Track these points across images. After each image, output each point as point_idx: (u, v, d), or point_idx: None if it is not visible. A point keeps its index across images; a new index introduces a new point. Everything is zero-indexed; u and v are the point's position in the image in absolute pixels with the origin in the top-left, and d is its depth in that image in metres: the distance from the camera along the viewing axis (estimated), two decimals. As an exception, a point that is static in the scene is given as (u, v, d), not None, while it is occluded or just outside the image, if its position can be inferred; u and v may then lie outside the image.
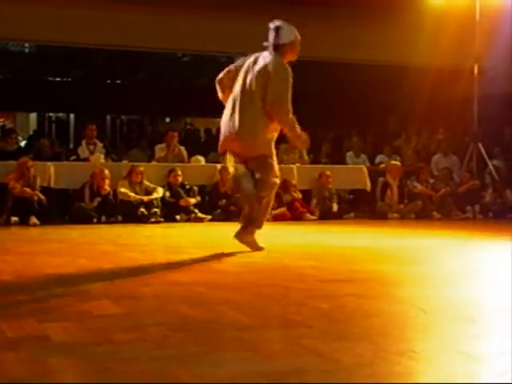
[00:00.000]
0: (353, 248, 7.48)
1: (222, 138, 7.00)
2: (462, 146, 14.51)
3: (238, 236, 6.92)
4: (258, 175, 6.80)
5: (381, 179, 12.45)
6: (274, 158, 6.96)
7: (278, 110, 6.63)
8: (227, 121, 6.87)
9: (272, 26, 6.83)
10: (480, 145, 13.65)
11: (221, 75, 7.15)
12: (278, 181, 7.01)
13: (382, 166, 13.37)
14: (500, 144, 15.29)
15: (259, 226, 6.98)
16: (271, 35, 6.80)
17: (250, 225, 6.94)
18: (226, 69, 7.15)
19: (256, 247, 6.87)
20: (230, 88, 6.97)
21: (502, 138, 15.71)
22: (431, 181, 12.88)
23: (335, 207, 12.12)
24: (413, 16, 13.70)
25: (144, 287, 4.78)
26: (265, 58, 6.77)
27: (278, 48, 6.76)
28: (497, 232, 9.73)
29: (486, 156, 13.61)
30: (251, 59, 6.90)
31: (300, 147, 6.94)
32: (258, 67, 6.75)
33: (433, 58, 14.51)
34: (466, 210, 12.45)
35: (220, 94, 7.18)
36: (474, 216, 12.34)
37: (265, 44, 6.84)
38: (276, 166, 6.94)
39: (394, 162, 12.99)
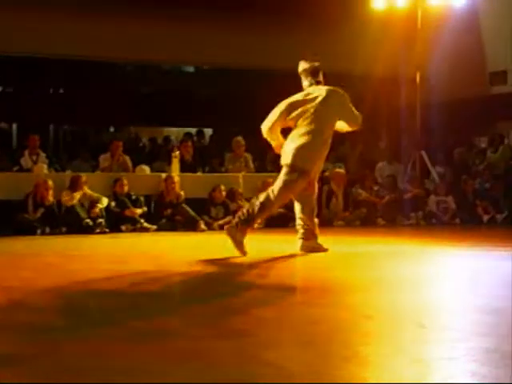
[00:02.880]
0: (297, 256, 7.48)
1: None
2: (407, 153, 14.67)
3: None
4: None
5: (325, 187, 12.50)
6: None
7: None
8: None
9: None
10: (423, 152, 13.81)
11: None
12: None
13: (326, 173, 13.43)
14: (443, 151, 15.49)
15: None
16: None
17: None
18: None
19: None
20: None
21: (444, 146, 15.92)
22: (375, 188, 12.99)
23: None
24: (354, 25, 13.82)
25: (89, 299, 4.74)
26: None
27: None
28: (441, 238, 9.85)
29: (428, 163, 13.77)
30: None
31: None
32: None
33: (375, 66, 14.64)
34: (410, 216, 12.57)
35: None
36: (417, 222, 12.47)
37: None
38: None
39: (338, 169, 13.06)
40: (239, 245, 7.04)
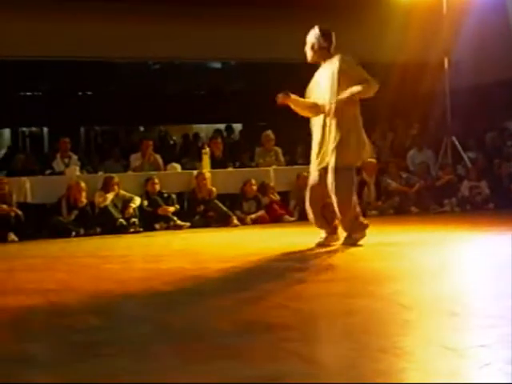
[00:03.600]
0: (332, 247, 7.46)
1: None
2: (436, 139, 14.55)
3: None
4: None
5: (357, 177, 12.43)
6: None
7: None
8: None
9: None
10: (454, 138, 13.71)
11: None
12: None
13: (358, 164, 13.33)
14: (473, 136, 15.36)
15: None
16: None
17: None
18: None
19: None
20: None
21: (474, 130, 15.78)
22: (404, 175, 12.91)
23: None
24: (380, 11, 13.72)
25: (125, 299, 4.77)
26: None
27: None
28: (475, 225, 9.77)
29: (460, 149, 13.67)
30: None
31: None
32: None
33: (401, 53, 14.53)
34: (444, 203, 12.48)
35: None
36: (452, 209, 12.38)
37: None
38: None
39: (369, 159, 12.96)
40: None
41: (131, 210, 10.72)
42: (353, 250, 7.07)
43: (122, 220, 10.57)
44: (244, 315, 3.97)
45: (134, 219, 10.67)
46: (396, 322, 3.62)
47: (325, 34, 7.42)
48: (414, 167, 13.62)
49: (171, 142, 19.54)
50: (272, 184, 11.91)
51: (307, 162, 13.96)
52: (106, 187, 10.85)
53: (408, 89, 14.65)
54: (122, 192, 10.95)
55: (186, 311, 4.17)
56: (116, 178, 11.07)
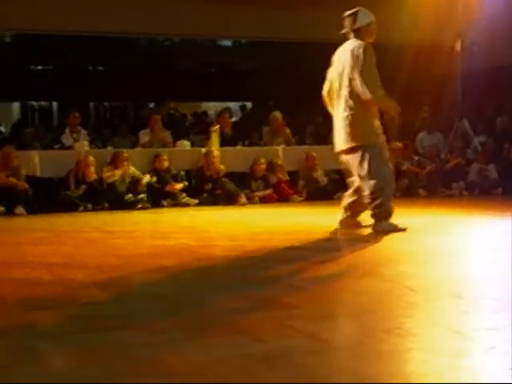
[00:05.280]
0: (338, 228, 7.44)
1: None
2: (447, 122, 14.50)
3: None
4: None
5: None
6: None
7: (367, 91, 6.80)
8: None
9: (348, 12, 7.17)
10: (465, 121, 13.66)
11: (325, 87, 7.33)
12: None
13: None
14: (483, 119, 15.30)
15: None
16: (347, 22, 7.13)
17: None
18: (327, 79, 7.32)
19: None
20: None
21: (485, 114, 15.73)
22: (416, 158, 12.88)
23: (324, 180, 11.98)
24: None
25: (132, 274, 4.78)
26: (345, 48, 7.05)
27: (356, 32, 7.06)
28: (483, 209, 9.74)
29: (470, 132, 13.62)
30: (335, 57, 7.23)
31: (394, 114, 7.12)
32: (342, 60, 7.02)
33: (414, 34, 14.46)
34: (452, 186, 12.45)
35: (328, 107, 7.41)
36: (460, 193, 12.35)
37: (343, 32, 7.17)
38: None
39: (397, 143, 12.84)
40: (394, 229, 6.85)
41: (140, 188, 10.74)
42: (359, 231, 7.06)
43: (130, 195, 10.58)
44: (250, 293, 3.97)
45: (141, 195, 10.68)
46: (402, 303, 3.61)
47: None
48: (423, 150, 13.58)
49: (178, 116, 19.48)
50: (280, 162, 11.89)
51: (316, 141, 13.95)
52: (115, 162, 10.86)
53: (420, 71, 14.59)
54: (132, 169, 10.95)
55: (193, 288, 4.18)
56: (125, 153, 11.08)
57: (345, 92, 6.95)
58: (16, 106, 23.83)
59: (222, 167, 11.32)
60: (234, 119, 17.45)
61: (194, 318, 3.36)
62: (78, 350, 2.81)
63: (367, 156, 6.83)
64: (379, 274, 4.50)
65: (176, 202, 10.89)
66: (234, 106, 20.06)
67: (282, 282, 4.28)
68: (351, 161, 7.00)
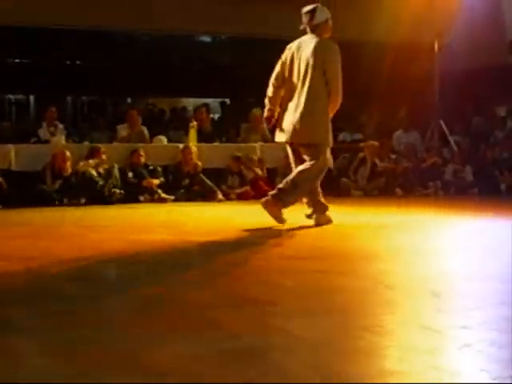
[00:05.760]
0: (315, 225, 7.46)
1: (287, 128, 7.23)
2: (424, 122, 14.57)
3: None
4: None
5: (360, 154, 12.44)
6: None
7: (336, 87, 7.07)
8: (292, 112, 7.16)
9: (306, 9, 7.27)
10: (441, 121, 13.72)
11: (274, 75, 7.42)
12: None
13: (362, 144, 13.28)
14: (461, 120, 15.38)
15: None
16: (305, 18, 7.25)
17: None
18: (278, 66, 7.42)
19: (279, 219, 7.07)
20: (287, 82, 7.28)
21: (463, 115, 15.80)
22: (393, 156, 12.93)
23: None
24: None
25: (108, 268, 4.76)
26: (307, 42, 7.17)
27: (314, 29, 7.20)
28: (459, 209, 9.79)
29: (447, 132, 13.69)
30: (294, 48, 7.29)
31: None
32: (306, 53, 7.11)
33: (393, 33, 14.49)
34: (429, 185, 12.51)
35: (271, 91, 7.42)
36: (435, 192, 12.41)
37: (302, 28, 7.27)
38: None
39: (373, 142, 12.90)
40: (276, 217, 7.04)
41: (114, 180, 10.71)
42: (337, 228, 7.08)
43: (102, 184, 10.53)
44: (226, 289, 3.97)
45: (114, 189, 10.63)
46: (378, 301, 3.62)
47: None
48: (399, 148, 13.64)
49: (155, 111, 19.42)
50: (256, 158, 11.85)
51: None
52: (92, 157, 10.81)
53: (398, 70, 14.62)
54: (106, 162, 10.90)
55: (168, 282, 4.17)
56: (103, 147, 11.03)
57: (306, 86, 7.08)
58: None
59: (199, 163, 11.29)
60: (214, 116, 17.43)
61: (169, 313, 3.34)
62: (52, 346, 2.79)
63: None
64: (356, 272, 4.51)
65: (153, 198, 10.86)
66: (213, 102, 20.01)
67: (257, 279, 4.28)
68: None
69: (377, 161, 12.56)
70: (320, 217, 7.26)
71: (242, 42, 19.24)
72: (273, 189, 11.53)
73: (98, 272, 4.59)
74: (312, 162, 7.10)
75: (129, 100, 23.13)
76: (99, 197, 10.47)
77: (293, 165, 7.43)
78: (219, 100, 20.51)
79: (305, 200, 7.40)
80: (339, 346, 2.75)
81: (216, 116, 18.27)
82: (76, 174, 10.69)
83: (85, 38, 18.72)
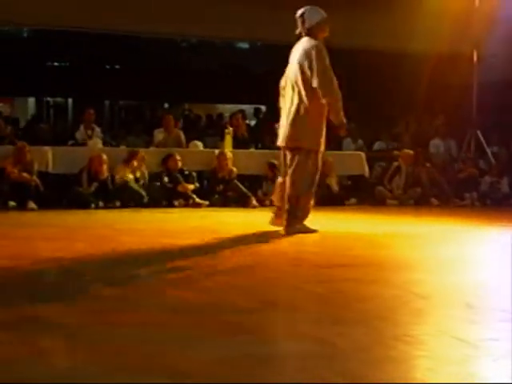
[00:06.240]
0: (351, 234, 7.46)
1: (281, 132, 7.30)
2: (461, 132, 14.47)
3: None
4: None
5: (395, 163, 12.39)
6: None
7: (325, 85, 6.88)
8: (286, 116, 7.20)
9: (297, 14, 7.21)
10: (478, 132, 13.63)
11: (282, 81, 7.47)
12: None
13: (396, 153, 13.24)
14: (499, 131, 15.25)
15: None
16: (299, 23, 7.19)
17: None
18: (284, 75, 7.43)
19: (309, 230, 7.08)
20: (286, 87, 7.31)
21: (501, 126, 15.67)
22: (427, 165, 12.85)
23: (336, 188, 12.01)
24: (412, 2, 13.64)
25: (141, 270, 4.78)
26: (298, 46, 7.16)
27: (309, 32, 7.12)
28: (495, 220, 9.71)
29: (484, 143, 13.58)
30: (291, 55, 7.30)
31: (336, 123, 7.09)
32: (295, 57, 7.12)
33: (432, 44, 14.43)
34: (465, 197, 12.41)
35: (279, 100, 7.52)
36: (472, 203, 12.31)
37: (296, 33, 7.22)
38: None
39: (407, 150, 12.83)
40: (305, 230, 7.05)
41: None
42: (370, 237, 7.06)
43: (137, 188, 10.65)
44: (257, 294, 3.97)
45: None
46: (410, 310, 3.60)
47: None
48: (436, 156, 13.58)
49: (192, 117, 19.48)
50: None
51: (330, 147, 13.91)
52: (130, 160, 10.88)
53: (437, 80, 14.56)
54: (144, 171, 10.99)
55: (202, 287, 4.18)
56: (142, 152, 11.10)
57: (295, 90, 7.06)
58: (32, 101, 23.90)
59: (234, 169, 11.31)
60: (249, 122, 17.45)
61: (203, 316, 3.35)
62: (79, 345, 2.81)
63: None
64: (388, 281, 4.49)
65: (187, 203, 10.89)
66: (249, 109, 20.04)
67: (290, 285, 4.28)
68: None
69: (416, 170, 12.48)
70: (276, 219, 7.24)
71: (278, 49, 19.24)
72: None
73: (133, 274, 4.61)
74: (294, 168, 7.06)
75: (166, 105, 23.25)
76: (135, 201, 10.54)
77: (282, 168, 7.38)
78: (255, 107, 20.54)
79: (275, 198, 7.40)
80: (370, 355, 2.74)
81: (252, 123, 18.28)
82: (113, 178, 10.77)
83: (124, 42, 18.88)
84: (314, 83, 6.88)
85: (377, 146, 14.49)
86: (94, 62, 21.54)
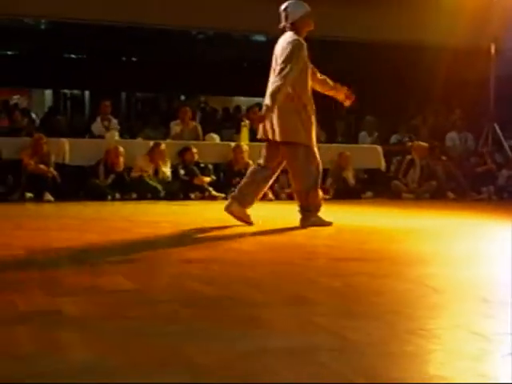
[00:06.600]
0: (366, 227, 7.47)
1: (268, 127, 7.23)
2: (478, 126, 14.42)
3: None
4: None
5: (408, 156, 12.37)
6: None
7: (281, 73, 6.84)
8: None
9: (280, 8, 7.15)
10: (496, 125, 13.57)
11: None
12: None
13: (409, 145, 13.23)
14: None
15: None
16: (282, 17, 7.13)
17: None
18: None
19: (324, 223, 7.12)
20: None
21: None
22: (443, 158, 12.82)
23: (353, 181, 12.03)
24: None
25: (156, 263, 4.79)
26: (279, 41, 7.13)
27: (292, 27, 7.06)
28: (510, 213, 9.66)
29: (501, 136, 13.53)
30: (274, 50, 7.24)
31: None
32: (276, 52, 7.13)
33: (450, 37, 14.38)
34: (482, 190, 12.37)
35: None
36: (489, 197, 12.27)
37: (280, 27, 7.15)
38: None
39: (420, 142, 12.82)
40: (320, 223, 7.09)
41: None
42: (386, 231, 7.05)
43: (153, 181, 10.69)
44: (274, 287, 3.97)
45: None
46: (424, 304, 3.59)
47: None
48: (452, 150, 13.54)
49: (208, 109, 19.48)
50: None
51: (348, 140, 13.90)
52: (153, 153, 10.96)
53: (454, 74, 14.51)
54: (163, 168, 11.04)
55: (218, 280, 4.18)
56: (163, 145, 11.13)
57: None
58: (49, 93, 23.98)
59: (250, 162, 11.31)
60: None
61: (217, 309, 3.36)
62: (99, 338, 2.82)
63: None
64: (403, 275, 4.48)
65: (203, 196, 10.92)
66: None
67: (305, 278, 4.28)
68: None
69: (432, 162, 12.45)
70: (232, 204, 7.17)
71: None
72: (322, 190, 11.61)
73: (147, 267, 4.62)
74: (294, 164, 7.17)
75: (182, 97, 23.26)
76: (151, 193, 10.57)
77: (260, 160, 7.39)
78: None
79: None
80: (384, 349, 2.74)
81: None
82: (129, 170, 10.81)
83: (141, 35, 18.88)
84: (276, 70, 6.89)
85: (393, 138, 14.48)
86: (110, 55, 21.56)
